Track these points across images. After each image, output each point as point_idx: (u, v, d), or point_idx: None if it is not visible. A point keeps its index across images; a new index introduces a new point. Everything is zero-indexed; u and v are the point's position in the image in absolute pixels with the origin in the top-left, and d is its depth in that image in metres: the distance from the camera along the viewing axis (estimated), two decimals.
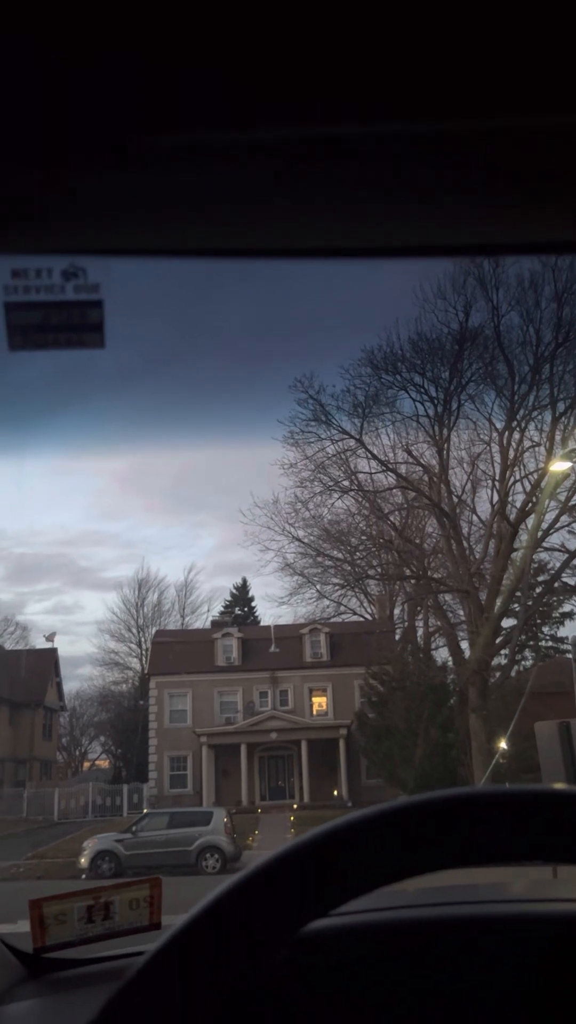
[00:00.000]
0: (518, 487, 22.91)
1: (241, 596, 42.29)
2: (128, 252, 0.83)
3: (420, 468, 23.99)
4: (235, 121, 0.65)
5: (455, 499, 23.86)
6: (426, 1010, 0.90)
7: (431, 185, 0.73)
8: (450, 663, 25.67)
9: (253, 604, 42.12)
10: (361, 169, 0.70)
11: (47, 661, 34.02)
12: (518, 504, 22.90)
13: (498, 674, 23.33)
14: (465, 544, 23.85)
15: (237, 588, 42.35)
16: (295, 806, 25.94)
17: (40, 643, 36.21)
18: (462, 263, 20.25)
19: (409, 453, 23.60)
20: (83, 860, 17.18)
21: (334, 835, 0.63)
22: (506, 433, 22.50)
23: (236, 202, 0.73)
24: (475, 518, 24.49)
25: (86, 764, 41.87)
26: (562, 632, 26.46)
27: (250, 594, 42.38)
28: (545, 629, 26.43)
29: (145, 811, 22.51)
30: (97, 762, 41.49)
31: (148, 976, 0.60)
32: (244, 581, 42.24)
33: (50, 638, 38.35)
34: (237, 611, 40.27)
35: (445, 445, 23.13)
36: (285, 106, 0.64)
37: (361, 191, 0.73)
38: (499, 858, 0.62)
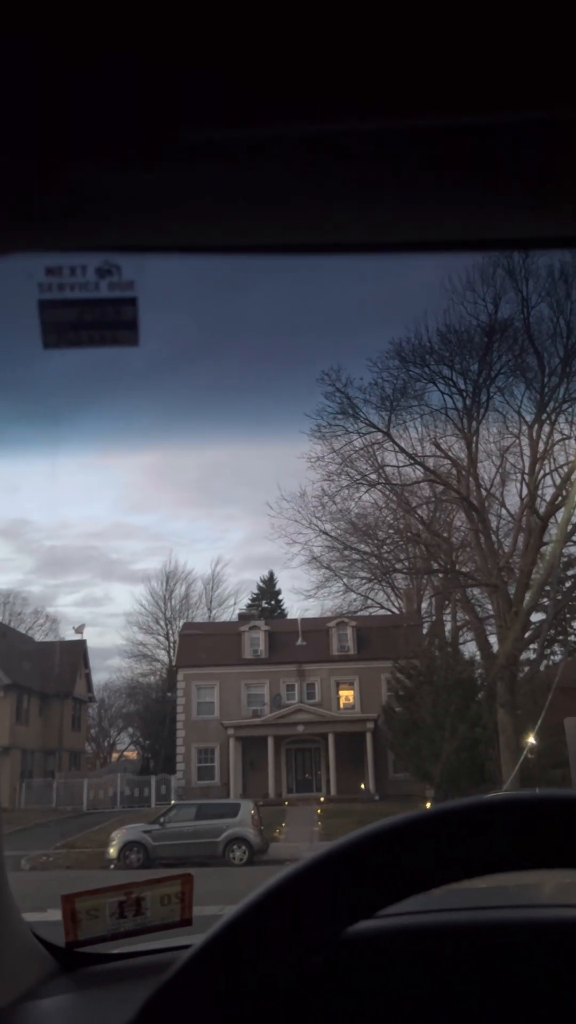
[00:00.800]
0: (548, 480, 22.73)
1: (268, 589, 42.40)
2: (161, 249, 0.82)
3: (448, 461, 23.89)
4: (265, 117, 0.64)
5: (484, 492, 23.72)
6: (466, 1014, 0.89)
7: (456, 180, 0.72)
8: (478, 658, 25.56)
9: (280, 597, 42.22)
10: (388, 165, 0.69)
11: (76, 653, 34.32)
12: (548, 498, 22.72)
13: (527, 669, 23.18)
14: (494, 538, 23.71)
15: (264, 581, 42.48)
16: (322, 799, 25.96)
17: (69, 635, 36.57)
18: (491, 255, 20.09)
19: (437, 446, 23.50)
20: (112, 850, 17.34)
21: (385, 835, 0.62)
22: (536, 426, 22.30)
23: (267, 198, 0.73)
24: (504, 512, 24.37)
25: (115, 755, 42.25)
26: None
27: (277, 587, 42.49)
28: (575, 624, 26.20)
29: (173, 802, 22.67)
30: (125, 753, 41.85)
31: (192, 971, 0.60)
32: (271, 574, 42.35)
33: (79, 630, 38.76)
34: (264, 604, 40.37)
35: (474, 438, 23.00)
36: (312, 102, 0.63)
37: (389, 187, 0.72)
38: (552, 863, 0.61)
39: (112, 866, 16.70)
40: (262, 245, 0.82)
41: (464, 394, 22.23)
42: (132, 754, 40.70)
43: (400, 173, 0.70)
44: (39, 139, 0.65)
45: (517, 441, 23.02)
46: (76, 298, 0.79)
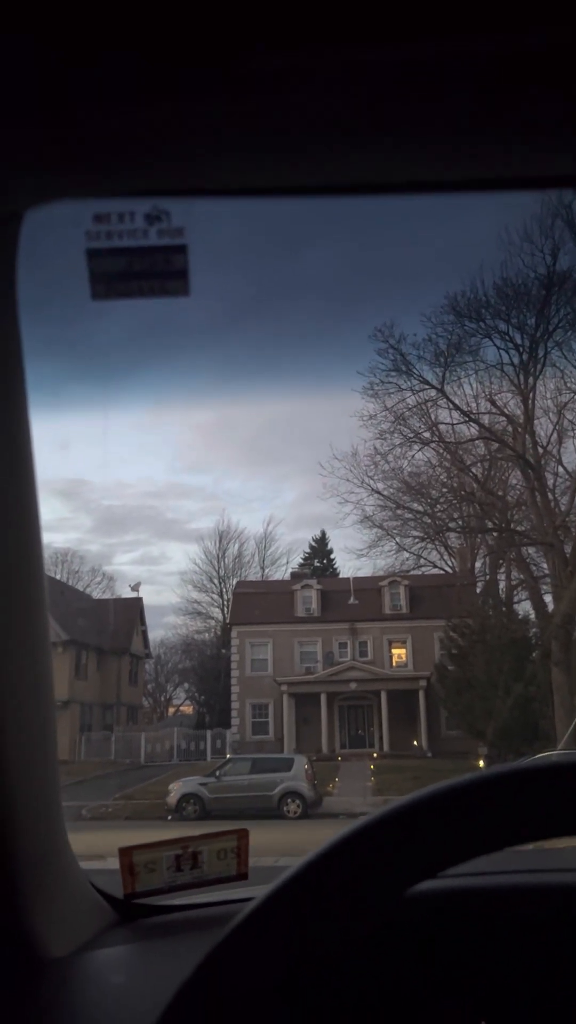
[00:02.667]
0: None
1: (320, 548, 42.48)
2: (211, 192, 0.79)
3: (504, 418, 23.46)
4: (319, 41, 0.60)
5: (540, 450, 23.26)
6: (526, 976, 0.88)
7: (517, 111, 0.68)
8: (532, 617, 25.34)
9: (332, 556, 42.27)
10: (447, 94, 0.65)
11: (133, 610, 34.96)
12: None
13: None
14: (550, 496, 23.31)
15: (316, 540, 42.54)
16: (375, 755, 26.21)
17: (126, 593, 37.24)
18: (550, 205, 19.46)
19: (493, 403, 23.08)
20: (169, 802, 17.79)
21: (449, 795, 0.61)
22: None
23: (320, 133, 0.69)
24: (561, 469, 23.88)
25: (171, 710, 43.16)
26: None
27: (329, 546, 42.53)
28: None
29: (228, 756, 23.11)
30: (181, 708, 42.70)
31: (253, 927, 0.60)
32: (323, 533, 42.37)
33: (136, 588, 39.45)
34: (316, 563, 40.50)
35: (530, 394, 22.51)
36: (375, 23, 0.59)
37: (449, 119, 0.68)
38: None
39: (169, 817, 17.14)
40: (315, 186, 0.79)
41: (521, 349, 21.73)
42: (188, 709, 41.52)
43: (456, 103, 0.66)
44: (80, 77, 0.63)
45: (575, 397, 22.50)
46: (125, 246, 0.77)
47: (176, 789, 18.25)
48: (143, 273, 0.78)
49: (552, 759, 0.63)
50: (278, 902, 0.60)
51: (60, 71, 0.62)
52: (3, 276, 0.87)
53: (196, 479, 49.33)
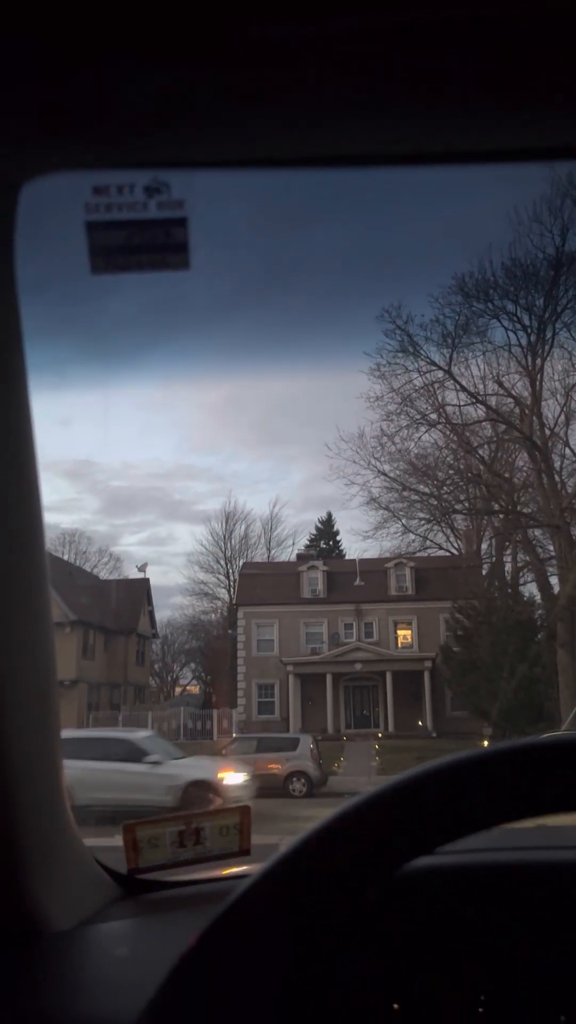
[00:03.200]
0: None
1: (326, 530, 42.49)
2: (213, 164, 0.78)
3: (511, 400, 23.38)
4: (326, 5, 0.59)
5: (547, 432, 23.17)
6: (521, 954, 0.88)
7: (525, 78, 0.66)
8: (538, 599, 25.36)
9: (338, 538, 42.30)
10: (452, 60, 0.64)
11: (139, 590, 35.10)
12: None
13: None
14: (557, 478, 23.25)
15: (322, 522, 42.55)
16: (380, 735, 26.35)
17: (133, 573, 37.36)
18: (559, 185, 19.27)
19: (500, 384, 22.98)
20: None
21: (447, 772, 0.61)
22: None
23: (323, 102, 0.68)
24: (568, 451, 23.79)
25: (177, 689, 43.41)
26: None
27: (335, 528, 42.55)
28: None
29: (234, 736, 23.26)
30: (188, 688, 42.96)
31: (250, 902, 0.60)
32: (329, 515, 42.37)
33: (142, 568, 39.45)
34: (322, 545, 40.53)
35: (538, 376, 22.40)
36: None
37: (455, 87, 0.67)
38: None
39: None
40: (319, 157, 0.77)
41: (529, 330, 21.62)
42: (194, 689, 41.78)
43: (461, 70, 0.65)
44: (78, 46, 0.62)
45: None
46: (124, 219, 0.76)
47: None
48: (143, 246, 0.77)
49: (546, 737, 0.63)
50: (276, 877, 0.60)
51: (58, 40, 0.61)
52: (1, 249, 0.87)
53: (203, 460, 49.38)
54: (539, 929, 0.89)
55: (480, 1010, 0.87)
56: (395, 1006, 0.88)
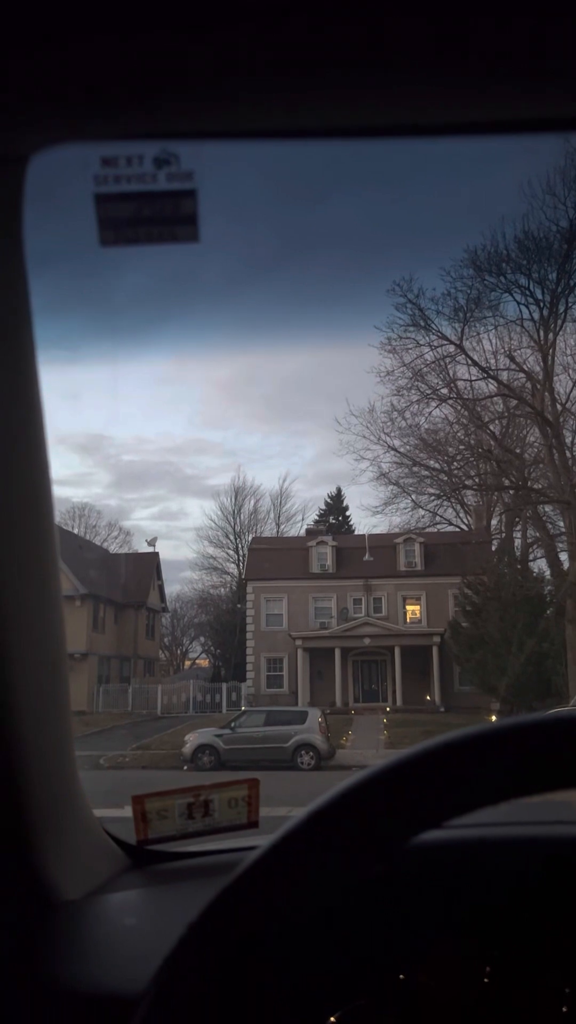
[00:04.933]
0: None
1: (335, 505, 42.49)
2: (222, 135, 0.77)
3: (523, 375, 23.19)
4: None
5: (559, 407, 23.01)
6: (529, 928, 0.89)
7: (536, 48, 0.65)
8: (547, 575, 25.32)
9: (348, 513, 42.31)
10: (467, 24, 0.62)
11: (149, 564, 35.25)
12: None
13: None
14: (568, 454, 23.11)
15: (331, 497, 42.54)
16: (388, 709, 26.50)
17: (143, 548, 37.52)
18: (574, 157, 18.97)
19: (512, 359, 22.80)
20: (185, 752, 18.12)
21: (455, 746, 0.61)
22: None
23: (335, 69, 0.67)
24: None
25: (187, 663, 43.74)
26: None
27: (344, 504, 42.54)
28: None
29: (244, 708, 23.44)
30: (197, 661, 43.27)
31: (256, 874, 0.61)
32: (338, 491, 42.36)
33: (152, 543, 39.67)
34: (331, 520, 40.55)
35: (550, 350, 22.20)
36: None
37: (467, 52, 0.66)
38: None
39: (185, 767, 17.47)
40: (330, 128, 0.76)
41: (541, 304, 21.40)
42: (204, 662, 42.07)
43: (480, 37, 0.63)
44: (86, 13, 0.61)
45: None
46: (133, 191, 0.75)
47: (192, 740, 18.57)
48: (152, 219, 0.77)
49: (555, 712, 0.63)
50: (283, 850, 0.61)
51: (65, 10, 0.60)
52: (9, 221, 0.86)
53: (215, 435, 49.36)
54: (545, 902, 0.90)
55: (486, 980, 0.88)
56: (401, 976, 0.89)
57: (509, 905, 0.90)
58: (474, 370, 22.83)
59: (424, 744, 0.62)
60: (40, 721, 1.04)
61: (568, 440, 23.35)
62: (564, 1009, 0.87)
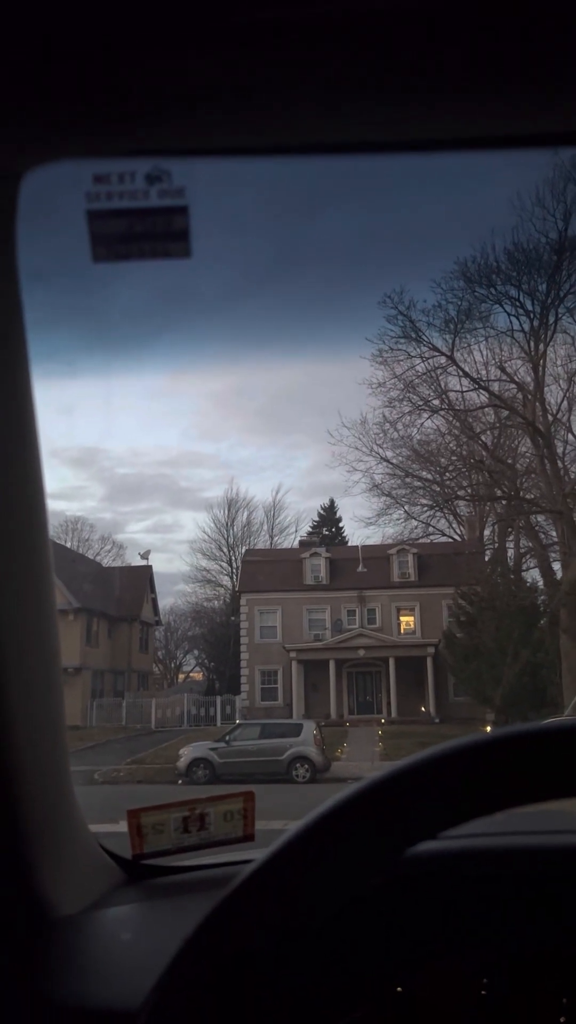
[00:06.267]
0: None
1: (329, 517, 42.48)
2: (214, 152, 0.78)
3: (514, 385, 23.28)
4: None
5: (550, 418, 23.11)
6: (526, 938, 0.89)
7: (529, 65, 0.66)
8: (541, 584, 25.35)
9: (341, 525, 42.30)
10: (455, 43, 0.63)
11: (142, 578, 35.15)
12: None
13: None
14: (560, 464, 23.19)
15: (324, 509, 42.55)
16: (383, 720, 26.42)
17: (136, 561, 37.41)
18: (562, 169, 19.12)
19: (503, 370, 22.88)
20: (180, 766, 18.02)
21: (449, 757, 0.61)
22: None
23: (325, 88, 0.67)
24: (571, 437, 23.76)
25: (181, 676, 43.53)
26: None
27: (338, 515, 42.53)
28: None
29: (238, 721, 23.35)
30: (192, 674, 43.08)
31: (252, 887, 0.61)
32: (331, 502, 42.37)
33: (145, 556, 39.49)
34: (324, 531, 40.52)
35: (541, 361, 22.31)
36: None
37: (457, 70, 0.66)
38: None
39: (180, 781, 17.37)
40: (321, 145, 0.77)
41: (531, 315, 21.49)
42: (198, 675, 41.88)
43: (467, 53, 0.64)
44: (78, 31, 0.61)
45: None
46: (126, 207, 0.76)
47: (187, 753, 18.48)
48: (144, 235, 0.77)
49: (550, 722, 0.63)
50: (278, 863, 0.61)
51: (57, 26, 0.61)
52: (3, 238, 0.86)
53: (210, 447, 49.34)
54: (541, 913, 0.90)
55: (483, 993, 0.88)
56: (398, 989, 0.89)
57: (505, 915, 0.90)
58: (465, 381, 22.92)
59: (417, 756, 0.62)
60: (35, 736, 1.04)
61: (559, 450, 23.46)
62: (562, 1020, 0.87)
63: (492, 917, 0.90)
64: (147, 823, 1.28)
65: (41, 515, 1.02)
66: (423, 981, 0.88)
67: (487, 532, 29.22)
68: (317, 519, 42.43)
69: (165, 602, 42.35)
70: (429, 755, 0.61)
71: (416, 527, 29.67)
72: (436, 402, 23.74)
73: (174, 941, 0.61)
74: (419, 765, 0.61)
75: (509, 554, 28.37)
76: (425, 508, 28.51)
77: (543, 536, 25.14)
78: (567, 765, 0.61)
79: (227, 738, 18.96)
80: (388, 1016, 0.88)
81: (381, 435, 25.47)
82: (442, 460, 25.97)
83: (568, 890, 0.92)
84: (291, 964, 0.62)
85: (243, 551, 37.30)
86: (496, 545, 28.66)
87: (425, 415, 24.16)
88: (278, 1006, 0.67)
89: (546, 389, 22.87)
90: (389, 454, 25.99)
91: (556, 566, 24.09)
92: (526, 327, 21.68)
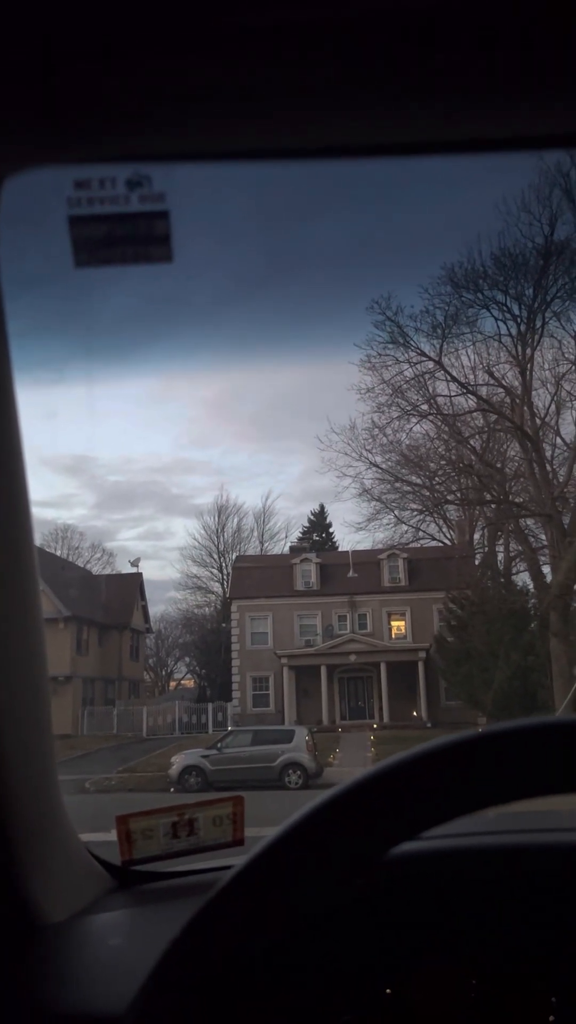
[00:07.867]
0: None
1: (319, 522, 42.51)
2: (196, 157, 0.78)
3: (502, 390, 23.37)
4: None
5: (538, 421, 23.21)
6: (510, 937, 0.89)
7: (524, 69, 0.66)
8: (531, 588, 25.42)
9: (331, 530, 42.33)
10: (443, 47, 0.64)
11: (132, 585, 35.05)
12: None
13: None
14: (548, 468, 23.28)
15: (315, 515, 42.57)
16: (375, 726, 26.42)
17: (126, 568, 37.30)
18: (547, 174, 19.25)
19: (490, 374, 22.98)
20: (171, 774, 17.96)
21: (430, 757, 0.61)
22: None
23: (309, 92, 0.68)
24: (559, 440, 23.86)
25: (172, 683, 43.41)
26: None
27: (328, 520, 42.57)
28: None
29: (230, 728, 23.30)
30: (183, 682, 42.96)
31: (235, 891, 0.61)
32: (321, 508, 42.41)
33: (135, 563, 39.47)
34: (315, 537, 40.54)
35: (528, 365, 22.42)
36: None
37: (445, 74, 0.67)
38: None
39: (172, 789, 17.31)
40: (305, 149, 0.77)
41: (518, 320, 21.58)
42: (189, 682, 41.76)
43: (452, 58, 0.65)
44: (59, 37, 0.62)
45: (573, 368, 22.41)
46: (106, 213, 0.76)
47: (178, 761, 18.43)
48: (125, 239, 0.78)
49: (531, 720, 0.63)
50: (262, 865, 0.61)
51: (38, 31, 0.61)
52: None
53: (202, 454, 49.26)
54: (526, 911, 0.90)
55: (472, 994, 0.88)
56: (387, 991, 0.89)
57: (492, 915, 0.90)
58: (453, 386, 22.99)
59: (400, 755, 0.62)
60: (22, 745, 1.03)
61: (548, 454, 23.55)
62: (551, 1019, 0.87)
63: (480, 917, 0.90)
64: (136, 829, 1.28)
65: (26, 522, 1.01)
66: (412, 982, 0.89)
67: (477, 536, 29.30)
68: (307, 525, 42.49)
69: (156, 609, 42.30)
70: (409, 755, 0.62)
71: (406, 532, 29.74)
72: (425, 407, 23.82)
73: (163, 947, 0.61)
74: (400, 764, 0.61)
75: (499, 558, 28.45)
76: (415, 512, 28.60)
77: (532, 540, 25.23)
78: (550, 762, 0.61)
79: (219, 745, 18.91)
80: (377, 1018, 0.88)
81: (370, 440, 25.54)
82: (431, 465, 26.04)
83: (556, 888, 0.93)
84: (278, 967, 0.62)
85: (233, 557, 37.29)
86: (486, 549, 28.73)
87: (414, 420, 24.24)
88: (265, 1009, 0.67)
89: (534, 393, 22.99)
90: (378, 459, 26.07)
91: (546, 569, 24.17)
92: (513, 331, 21.80)
